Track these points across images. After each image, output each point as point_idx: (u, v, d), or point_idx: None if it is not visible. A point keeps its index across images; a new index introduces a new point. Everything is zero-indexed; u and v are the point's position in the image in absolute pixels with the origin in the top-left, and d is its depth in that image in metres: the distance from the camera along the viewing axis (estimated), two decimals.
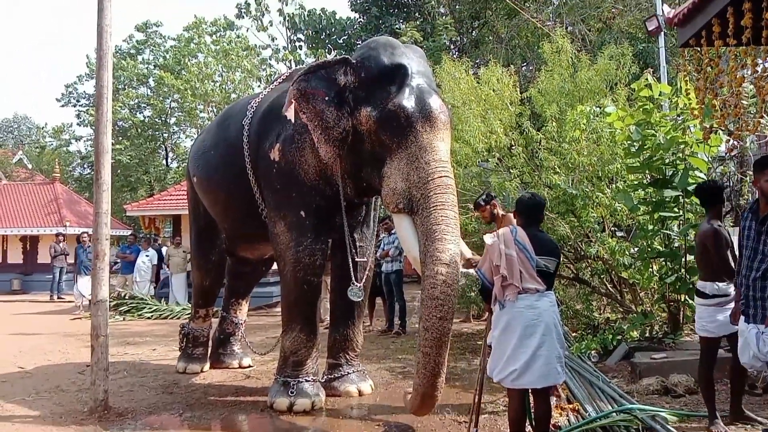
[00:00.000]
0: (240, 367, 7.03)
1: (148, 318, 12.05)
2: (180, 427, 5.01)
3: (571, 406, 4.93)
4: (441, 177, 4.43)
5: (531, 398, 4.05)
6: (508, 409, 4.17)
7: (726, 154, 8.14)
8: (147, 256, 14.34)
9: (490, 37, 21.06)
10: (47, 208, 19.86)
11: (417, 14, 24.20)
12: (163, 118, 28.98)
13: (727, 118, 4.80)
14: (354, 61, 4.93)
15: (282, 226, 5.41)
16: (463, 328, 9.38)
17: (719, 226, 4.41)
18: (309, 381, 5.32)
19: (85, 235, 14.44)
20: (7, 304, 15.23)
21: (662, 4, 10.69)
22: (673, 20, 4.94)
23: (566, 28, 16.23)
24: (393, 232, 9.37)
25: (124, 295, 13.01)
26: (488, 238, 3.97)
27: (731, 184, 10.97)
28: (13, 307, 14.58)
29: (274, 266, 6.21)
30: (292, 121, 5.12)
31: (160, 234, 17.74)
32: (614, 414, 4.48)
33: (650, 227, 6.57)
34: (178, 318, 11.35)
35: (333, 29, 26.09)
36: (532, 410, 4.07)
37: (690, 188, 5.86)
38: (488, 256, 3.90)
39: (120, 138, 26.84)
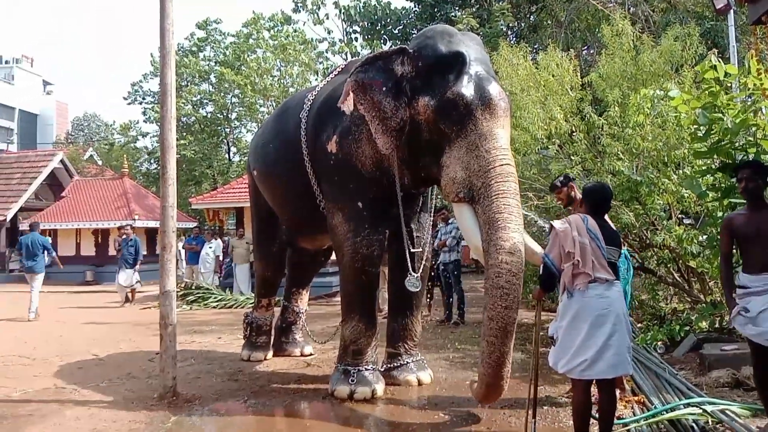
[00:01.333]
0: (302, 355, 7.16)
1: (214, 307, 12.42)
2: (245, 414, 5.15)
3: (636, 398, 4.81)
4: (502, 165, 4.37)
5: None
6: (572, 400, 4.11)
7: None
8: (211, 247, 14.76)
9: (549, 21, 20.59)
10: (117, 202, 20.64)
11: (473, 1, 23.83)
12: (224, 114, 29.58)
13: None
14: (411, 51, 4.90)
15: (340, 218, 5.46)
16: (523, 318, 9.24)
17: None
18: (369, 370, 5.37)
19: (129, 227, 14.26)
20: (81, 295, 15.91)
21: None
22: None
23: (628, 9, 15.72)
24: (450, 221, 9.33)
25: (191, 285, 13.42)
26: (558, 224, 3.90)
27: None
28: (86, 297, 15.23)
29: (334, 256, 6.29)
30: (348, 112, 5.15)
31: (224, 226, 18.13)
32: (681, 407, 4.34)
33: (719, 214, 6.31)
34: (242, 307, 11.62)
35: (388, 20, 26.01)
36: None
37: None
38: (558, 242, 3.84)
39: (184, 133, 27.47)
